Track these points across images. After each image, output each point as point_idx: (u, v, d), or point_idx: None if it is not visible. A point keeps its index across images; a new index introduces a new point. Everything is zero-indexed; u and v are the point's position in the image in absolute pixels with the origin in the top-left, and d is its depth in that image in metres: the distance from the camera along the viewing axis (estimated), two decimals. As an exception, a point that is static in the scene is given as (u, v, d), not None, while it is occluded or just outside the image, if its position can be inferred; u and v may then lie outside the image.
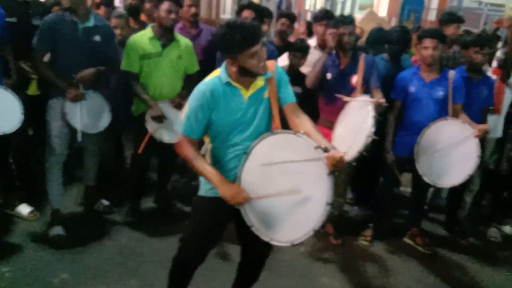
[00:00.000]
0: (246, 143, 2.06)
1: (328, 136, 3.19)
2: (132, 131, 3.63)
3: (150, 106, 3.21)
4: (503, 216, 4.08)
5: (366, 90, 3.28)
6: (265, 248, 2.27)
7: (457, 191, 3.78)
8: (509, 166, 3.79)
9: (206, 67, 3.12)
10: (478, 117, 3.44)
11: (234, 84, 2.03)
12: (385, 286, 3.10)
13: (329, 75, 3.34)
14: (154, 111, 3.20)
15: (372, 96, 3.15)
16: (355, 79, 3.25)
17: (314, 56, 3.58)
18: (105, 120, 3.24)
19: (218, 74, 2.05)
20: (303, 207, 1.90)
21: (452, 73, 3.31)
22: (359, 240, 3.62)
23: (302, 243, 1.88)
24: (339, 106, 3.16)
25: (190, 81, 3.35)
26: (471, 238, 3.84)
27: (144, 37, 3.23)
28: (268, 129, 2.12)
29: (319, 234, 3.54)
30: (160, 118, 3.21)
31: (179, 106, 3.26)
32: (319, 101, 3.44)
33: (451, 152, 3.12)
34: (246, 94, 2.05)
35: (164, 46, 3.25)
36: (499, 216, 4.08)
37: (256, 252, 2.33)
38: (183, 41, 3.35)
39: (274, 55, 3.54)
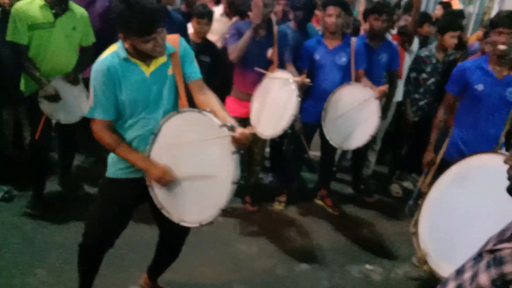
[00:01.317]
0: (153, 123, 1.97)
1: (244, 108, 3.27)
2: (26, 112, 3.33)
3: (41, 84, 2.92)
4: (403, 172, 4.43)
5: (281, 63, 3.30)
6: (183, 228, 2.23)
7: (361, 152, 4.02)
8: (406, 126, 4.09)
9: (104, 37, 2.92)
10: (380, 81, 3.61)
11: (133, 60, 1.90)
12: (300, 247, 3.25)
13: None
14: (46, 90, 2.92)
15: (286, 69, 3.18)
16: (271, 52, 3.25)
17: (221, 24, 3.51)
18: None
19: (115, 49, 1.90)
20: (210, 186, 1.88)
21: (353, 40, 3.44)
22: (275, 205, 3.74)
23: (211, 222, 1.87)
24: (255, 79, 3.17)
25: (86, 54, 3.11)
26: (376, 195, 4.13)
27: (33, 5, 2.89)
28: (175, 107, 2.04)
29: (236, 202, 3.59)
30: (54, 98, 2.95)
31: (74, 82, 3.03)
32: (234, 72, 3.39)
33: (355, 115, 3.25)
34: (147, 70, 1.93)
35: (57, 15, 2.95)
36: (399, 172, 4.42)
37: (174, 232, 2.27)
38: (78, 10, 3.07)
39: (182, 27, 3.40)
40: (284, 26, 3.64)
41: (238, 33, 3.22)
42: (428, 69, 3.85)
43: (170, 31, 1.99)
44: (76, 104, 3.11)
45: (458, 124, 2.85)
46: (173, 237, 2.34)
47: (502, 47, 2.55)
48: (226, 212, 1.88)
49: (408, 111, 3.98)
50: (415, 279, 3.01)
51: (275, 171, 4.20)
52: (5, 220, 3.12)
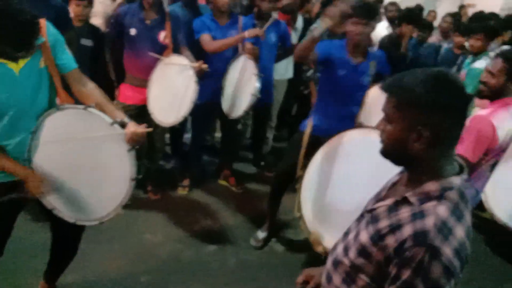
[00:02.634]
0: (30, 123, 1.80)
1: (141, 95, 3.15)
2: None
3: None
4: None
5: (175, 47, 3.20)
6: (76, 228, 2.07)
7: (259, 129, 4.13)
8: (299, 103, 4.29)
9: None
10: (272, 61, 3.69)
11: (0, 60, 1.67)
12: (206, 229, 3.28)
13: (133, 31, 3.13)
14: None
15: (180, 53, 3.12)
16: (163, 35, 3.15)
17: (105, 6, 3.32)
18: None
19: None
20: (107, 184, 1.82)
21: (241, 19, 3.47)
22: (178, 191, 3.71)
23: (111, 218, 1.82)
24: (149, 64, 3.07)
25: None
26: (275, 170, 4.26)
27: None
28: (53, 104, 1.87)
29: (138, 191, 3.49)
30: None
31: None
32: (125, 57, 3.23)
33: (238, 83, 3.32)
34: (16, 68, 1.71)
35: None
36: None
37: (68, 230, 2.13)
38: None
39: (63, 12, 3.10)
40: (175, 6, 3.55)
41: (125, 23, 3.12)
42: None
43: (49, 17, 1.82)
44: None
45: (319, 104, 2.98)
46: (67, 236, 2.20)
47: (357, 37, 2.68)
48: (126, 205, 1.84)
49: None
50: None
51: (176, 156, 4.15)
52: None
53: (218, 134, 4.39)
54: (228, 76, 3.37)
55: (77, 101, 1.89)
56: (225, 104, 3.42)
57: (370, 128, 2.29)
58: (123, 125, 1.74)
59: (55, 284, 2.39)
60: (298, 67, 4.14)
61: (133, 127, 1.72)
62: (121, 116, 1.79)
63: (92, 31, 3.29)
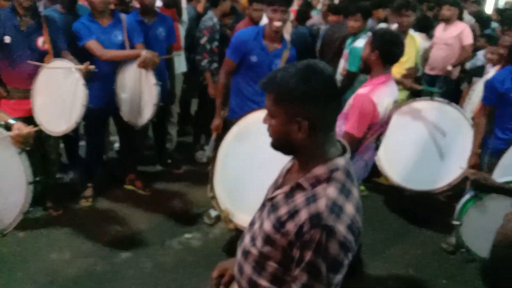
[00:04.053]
0: None
1: (25, 106, 2.92)
2: None
3: None
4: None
5: (56, 52, 3.00)
6: None
7: (160, 127, 4.06)
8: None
9: None
10: (163, 54, 3.60)
11: None
12: (117, 237, 3.16)
13: (7, 39, 2.87)
14: None
15: (63, 58, 2.94)
16: (42, 41, 2.92)
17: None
18: None
19: None
20: (4, 193, 1.71)
21: (123, 16, 3.36)
22: (81, 203, 3.51)
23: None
24: (29, 72, 2.87)
25: None
26: (183, 166, 4.25)
27: None
28: None
29: (37, 211, 3.25)
30: None
31: None
32: (1, 71, 2.97)
33: (140, 90, 3.23)
34: None
35: None
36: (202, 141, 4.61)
37: None
38: None
39: None
40: (50, 10, 3.32)
41: None
42: (218, 36, 3.96)
43: None
44: None
45: (234, 91, 3.09)
46: None
47: (277, 23, 2.81)
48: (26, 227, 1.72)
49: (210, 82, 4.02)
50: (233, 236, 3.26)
51: (74, 167, 3.91)
52: None
53: (113, 138, 4.23)
54: (121, 82, 3.27)
55: None
56: (125, 112, 3.33)
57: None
58: (8, 127, 1.64)
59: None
60: (193, 59, 4.12)
61: (18, 129, 1.63)
62: (5, 118, 1.66)
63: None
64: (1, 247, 2.89)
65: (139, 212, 3.47)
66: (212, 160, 2.63)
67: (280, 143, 1.21)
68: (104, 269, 2.82)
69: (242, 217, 2.42)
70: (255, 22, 3.72)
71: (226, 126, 2.83)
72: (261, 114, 2.41)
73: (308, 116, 1.12)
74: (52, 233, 3.13)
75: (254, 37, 2.95)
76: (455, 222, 2.40)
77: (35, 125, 2.80)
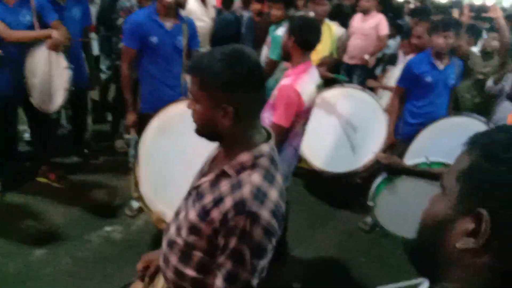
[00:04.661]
0: None
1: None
2: None
3: None
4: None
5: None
6: None
7: (76, 114, 3.87)
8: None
9: None
10: (78, 36, 3.46)
11: None
12: (31, 233, 2.95)
13: None
14: None
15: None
16: None
17: None
18: None
19: None
20: None
21: None
22: None
23: None
24: None
25: None
26: (102, 155, 4.06)
27: None
28: None
29: None
30: None
31: None
32: None
33: (48, 74, 3.07)
34: None
35: None
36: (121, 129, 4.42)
37: None
38: None
39: None
40: None
41: None
42: None
43: None
44: None
45: (143, 79, 2.99)
46: None
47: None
48: None
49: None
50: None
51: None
52: None
53: (23, 127, 3.92)
54: (31, 66, 3.07)
55: None
56: (35, 98, 3.13)
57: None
58: None
59: None
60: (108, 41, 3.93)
61: None
62: None
63: None
64: None
65: (54, 206, 3.26)
66: (134, 158, 2.51)
67: (204, 129, 1.20)
68: (18, 269, 2.62)
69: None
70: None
71: (143, 120, 2.71)
72: (181, 105, 2.40)
73: (233, 102, 1.12)
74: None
75: (148, 17, 2.86)
76: (370, 203, 2.55)
77: None
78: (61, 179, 3.54)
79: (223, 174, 1.18)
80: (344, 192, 3.90)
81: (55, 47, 2.95)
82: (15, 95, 3.12)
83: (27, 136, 4.00)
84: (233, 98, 1.12)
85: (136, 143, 2.68)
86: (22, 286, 2.51)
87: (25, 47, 3.03)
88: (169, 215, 2.37)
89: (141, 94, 3.03)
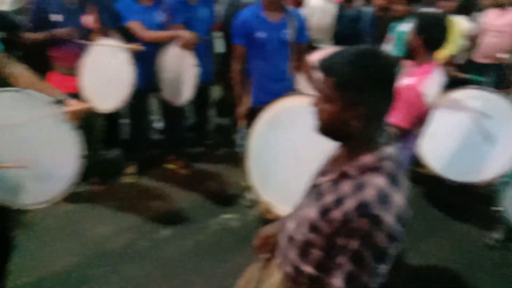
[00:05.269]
0: None
1: (71, 82, 3.01)
2: None
3: None
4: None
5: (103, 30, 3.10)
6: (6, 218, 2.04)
7: (199, 108, 4.13)
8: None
9: None
10: (206, 35, 3.67)
11: None
12: (158, 215, 3.26)
13: (56, 17, 2.98)
14: None
15: (109, 37, 3.04)
16: (88, 19, 2.99)
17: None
18: None
19: None
20: (56, 165, 1.78)
21: None
22: (124, 179, 3.63)
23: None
24: (75, 50, 2.97)
25: None
26: (222, 147, 4.31)
27: None
28: None
29: (82, 186, 3.38)
30: None
31: None
32: (49, 48, 3.09)
33: (178, 70, 3.31)
34: None
35: None
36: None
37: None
38: None
39: None
40: None
41: (45, 9, 2.97)
42: None
43: None
44: None
45: (253, 73, 3.07)
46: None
47: None
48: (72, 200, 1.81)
49: None
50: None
51: (117, 144, 4.03)
52: None
53: (155, 117, 4.31)
54: (162, 62, 3.33)
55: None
56: (165, 91, 3.40)
57: (311, 97, 2.36)
58: (62, 103, 1.71)
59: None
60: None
61: (73, 105, 1.71)
62: (58, 93, 1.75)
63: (5, 22, 3.09)
64: (48, 219, 3.04)
65: (179, 191, 3.56)
66: (245, 149, 2.62)
67: (331, 129, 1.19)
68: (146, 245, 2.92)
69: (282, 208, 2.42)
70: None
71: (253, 113, 2.80)
72: (295, 101, 2.41)
73: (366, 103, 1.11)
74: (96, 207, 3.27)
75: (254, 14, 2.92)
76: (498, 209, 2.30)
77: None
78: (186, 167, 3.84)
79: (345, 175, 1.18)
80: (466, 201, 3.60)
81: (185, 46, 3.19)
82: (148, 88, 3.43)
83: (157, 125, 4.40)
84: (366, 99, 1.11)
85: (246, 135, 2.81)
86: (147, 262, 2.77)
87: (158, 45, 3.31)
88: (276, 207, 2.45)
89: (251, 89, 3.15)
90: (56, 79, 3.10)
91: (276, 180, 2.43)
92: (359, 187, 1.13)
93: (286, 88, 3.02)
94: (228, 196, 3.55)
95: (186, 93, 3.33)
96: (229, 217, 3.25)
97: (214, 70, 4.00)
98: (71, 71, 3.01)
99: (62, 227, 3.00)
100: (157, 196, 3.49)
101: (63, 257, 2.74)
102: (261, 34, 2.91)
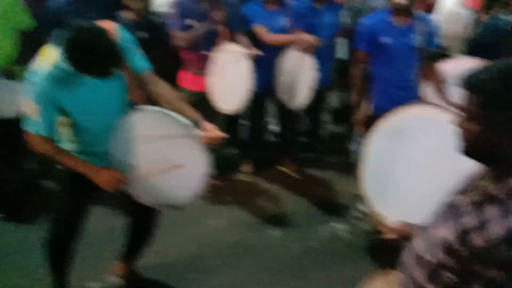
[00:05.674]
0: (108, 124, 1.92)
1: (201, 82, 3.22)
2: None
3: None
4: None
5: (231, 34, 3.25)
6: (154, 211, 2.29)
7: (314, 113, 4.11)
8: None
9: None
10: (330, 43, 3.67)
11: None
12: (268, 214, 3.33)
13: (191, 22, 3.20)
14: None
15: (236, 41, 3.18)
16: (219, 27, 3.19)
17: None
18: None
19: (55, 60, 1.77)
20: (185, 177, 1.94)
21: (290, 1, 3.49)
22: (239, 176, 3.77)
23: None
24: (205, 54, 3.17)
25: (27, 38, 2.97)
26: (335, 154, 4.24)
27: None
28: (126, 105, 2.00)
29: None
30: None
31: (11, 76, 2.90)
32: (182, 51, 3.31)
33: (295, 74, 3.34)
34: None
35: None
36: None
37: (146, 215, 2.31)
38: None
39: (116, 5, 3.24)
40: None
41: (183, 14, 3.15)
42: None
43: (103, 13, 1.94)
44: (11, 99, 2.94)
45: (375, 79, 2.97)
46: (145, 220, 2.36)
47: (402, 1, 2.70)
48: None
49: None
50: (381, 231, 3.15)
51: (235, 142, 4.20)
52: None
53: (272, 120, 4.40)
54: (282, 65, 3.39)
55: (150, 101, 2.00)
56: (282, 94, 3.45)
57: (439, 108, 2.23)
58: (197, 124, 1.85)
59: (132, 266, 2.55)
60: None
61: (208, 130, 1.85)
62: (195, 115, 1.89)
63: (147, 23, 3.37)
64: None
65: (290, 194, 3.59)
66: (359, 157, 2.53)
67: (478, 151, 1.10)
68: (255, 242, 3.00)
69: (394, 221, 2.29)
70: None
71: (372, 120, 2.70)
72: (418, 111, 2.27)
73: None
74: (212, 200, 3.44)
75: (380, 18, 2.84)
76: None
77: (207, 100, 3.14)
78: (298, 171, 3.86)
79: (491, 198, 1.08)
80: None
81: (306, 50, 3.21)
82: (267, 91, 3.50)
83: (272, 128, 4.49)
84: None
85: (361, 141, 2.72)
86: (258, 259, 2.83)
87: (279, 49, 3.36)
88: (389, 220, 2.32)
89: (372, 94, 3.05)
90: (187, 78, 3.34)
91: (392, 192, 2.32)
92: (508, 213, 1.02)
93: (410, 96, 2.88)
94: (338, 204, 3.49)
95: (302, 96, 3.36)
96: (338, 226, 3.19)
97: (334, 76, 3.97)
98: (201, 72, 3.21)
99: (179, 215, 3.18)
100: (269, 196, 3.57)
101: (179, 244, 2.93)
102: (386, 39, 2.83)
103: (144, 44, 2.05)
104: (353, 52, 3.06)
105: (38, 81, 1.79)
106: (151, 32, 3.30)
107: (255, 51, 3.06)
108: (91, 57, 1.65)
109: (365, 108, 3.03)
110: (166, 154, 1.92)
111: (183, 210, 2.03)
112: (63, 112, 1.87)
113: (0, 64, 2.93)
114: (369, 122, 2.80)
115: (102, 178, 1.89)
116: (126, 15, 3.20)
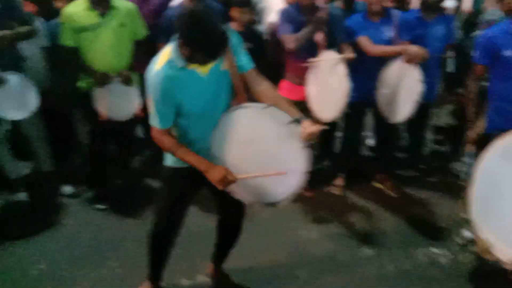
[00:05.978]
0: (212, 121, 1.99)
1: (300, 92, 3.24)
2: (81, 112, 3.45)
3: (93, 72, 3.06)
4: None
5: (333, 45, 3.21)
6: (241, 208, 2.33)
7: (416, 129, 3.90)
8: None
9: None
10: (438, 53, 3.50)
11: (191, 67, 1.89)
12: (361, 231, 3.21)
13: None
14: (97, 75, 3.05)
15: (340, 52, 3.14)
16: (319, 36, 3.19)
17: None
18: (33, 102, 3.12)
19: (170, 57, 1.89)
20: (284, 176, 1.94)
21: (395, 13, 3.37)
22: (331, 190, 3.70)
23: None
24: (305, 63, 3.18)
25: (139, 48, 3.20)
26: (436, 174, 3.98)
27: (78, 8, 3.00)
28: (229, 103, 2.06)
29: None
30: (103, 79, 3.05)
31: (127, 81, 3.12)
32: (286, 58, 3.37)
33: (400, 86, 3.21)
34: (204, 73, 1.94)
35: (102, 15, 3.01)
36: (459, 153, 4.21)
37: (233, 213, 2.36)
38: (124, 5, 3.10)
39: (221, 16, 3.37)
40: (331, 7, 3.56)
41: (288, 20, 3.20)
42: None
43: None
44: (127, 103, 3.20)
45: (492, 96, 2.74)
46: (235, 219, 2.40)
47: None
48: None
49: None
50: (486, 262, 2.87)
51: (328, 155, 4.13)
52: (76, 217, 3.31)
53: (368, 133, 4.25)
54: (385, 77, 3.28)
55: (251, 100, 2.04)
56: (383, 106, 3.33)
57: None
58: (298, 122, 1.86)
59: (221, 268, 2.61)
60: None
61: (309, 126, 1.84)
62: (296, 113, 1.91)
63: (252, 33, 3.47)
64: (257, 214, 3.21)
65: (385, 212, 3.43)
66: (468, 177, 2.33)
67: None
68: (346, 258, 2.90)
69: (504, 250, 2.07)
70: None
71: (486, 139, 2.49)
72: None
73: None
74: (304, 211, 3.41)
75: (503, 30, 2.59)
76: None
77: (306, 110, 3.13)
78: (395, 189, 3.68)
79: None
80: None
81: (411, 61, 3.08)
82: (366, 102, 3.41)
83: (369, 142, 4.34)
84: None
85: (472, 162, 2.49)
86: (347, 277, 2.73)
87: (382, 60, 3.26)
88: (497, 248, 2.09)
89: (487, 112, 2.82)
90: (287, 87, 3.38)
91: (503, 218, 2.11)
92: None
93: None
94: (438, 228, 3.25)
95: (405, 110, 3.19)
96: (437, 252, 2.96)
97: (441, 90, 3.74)
98: (300, 81, 3.23)
99: (269, 223, 3.21)
100: (362, 212, 3.44)
101: (267, 251, 2.93)
102: (510, 53, 2.60)
103: (249, 55, 2.09)
104: (465, 66, 2.86)
105: (153, 79, 1.91)
106: (255, 43, 3.41)
107: (351, 55, 3.03)
108: (204, 31, 1.72)
109: (480, 126, 2.82)
110: (267, 151, 1.95)
111: (275, 206, 2.00)
112: (178, 107, 1.97)
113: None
114: (482, 141, 2.61)
115: (216, 175, 1.93)
116: (233, 26, 3.33)
